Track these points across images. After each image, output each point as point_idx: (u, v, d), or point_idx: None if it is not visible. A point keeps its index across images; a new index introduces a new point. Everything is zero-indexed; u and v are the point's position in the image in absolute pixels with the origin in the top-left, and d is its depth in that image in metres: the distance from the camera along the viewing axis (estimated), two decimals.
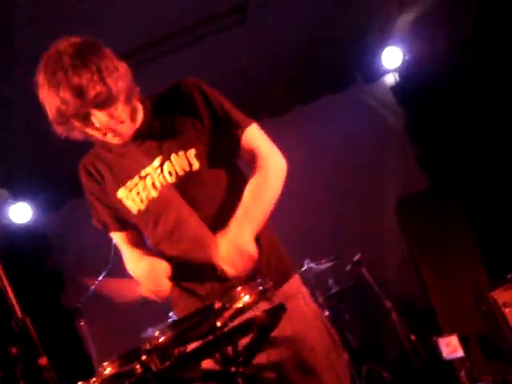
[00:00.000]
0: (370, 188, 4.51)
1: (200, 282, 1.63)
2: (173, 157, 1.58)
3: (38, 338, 1.54)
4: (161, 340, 1.48)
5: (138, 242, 1.74)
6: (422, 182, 4.75)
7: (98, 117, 1.45)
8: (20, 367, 1.70)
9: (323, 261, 3.92)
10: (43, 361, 1.56)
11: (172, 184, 1.59)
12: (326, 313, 3.72)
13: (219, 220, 1.55)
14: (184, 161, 1.57)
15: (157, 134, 1.61)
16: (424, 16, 4.19)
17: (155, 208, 1.61)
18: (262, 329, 1.57)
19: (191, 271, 1.63)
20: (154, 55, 3.69)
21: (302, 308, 1.62)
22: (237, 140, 1.62)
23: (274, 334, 1.52)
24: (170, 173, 1.58)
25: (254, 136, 1.65)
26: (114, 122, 1.49)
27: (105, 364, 1.75)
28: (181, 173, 1.58)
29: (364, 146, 4.56)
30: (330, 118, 4.42)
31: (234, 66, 4.05)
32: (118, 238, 1.76)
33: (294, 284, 1.65)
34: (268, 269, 1.61)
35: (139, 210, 1.63)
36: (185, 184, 1.58)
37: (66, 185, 4.91)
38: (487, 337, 3.92)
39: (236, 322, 1.53)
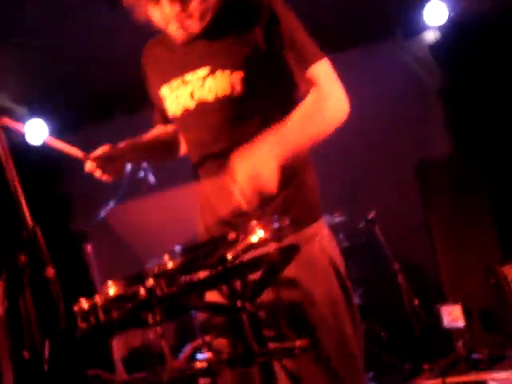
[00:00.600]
0: (394, 146, 4.39)
1: (221, 204, 1.48)
2: (218, 73, 1.45)
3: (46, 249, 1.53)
4: (169, 265, 1.45)
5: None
6: (448, 146, 4.60)
7: (166, 3, 1.37)
8: (27, 275, 1.68)
9: (336, 214, 3.85)
10: (50, 272, 1.55)
11: (209, 103, 1.47)
12: None
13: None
14: (227, 81, 1.44)
15: (214, 42, 1.47)
16: None
17: (188, 119, 1.53)
18: (273, 267, 1.53)
19: (216, 191, 1.49)
20: None
21: (315, 253, 1.49)
22: (301, 72, 1.45)
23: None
24: (209, 89, 1.46)
25: (322, 71, 1.47)
26: (184, 15, 1.40)
27: (109, 283, 1.72)
28: (220, 94, 1.46)
29: (395, 102, 4.41)
30: (363, 69, 4.26)
31: None
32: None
33: (315, 227, 1.52)
34: (289, 206, 1.48)
35: (174, 114, 1.57)
36: (221, 107, 1.46)
37: (84, 107, 4.88)
38: (491, 311, 3.90)
39: (247, 256, 1.48)
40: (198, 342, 2.44)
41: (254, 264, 1.52)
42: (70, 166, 5.06)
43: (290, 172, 1.41)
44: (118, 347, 3.87)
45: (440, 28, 4.51)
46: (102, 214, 3.61)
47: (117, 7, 1.44)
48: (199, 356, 2.24)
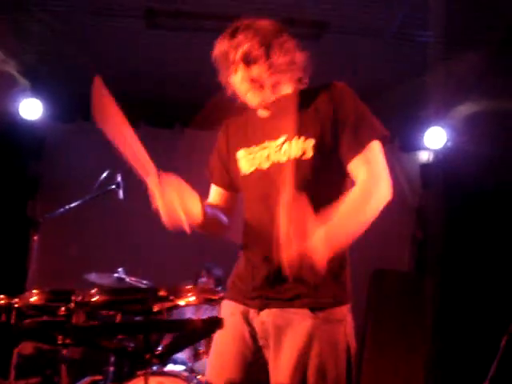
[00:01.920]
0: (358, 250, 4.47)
1: (260, 264, 1.64)
2: (294, 139, 1.64)
3: None
4: (93, 299, 1.46)
5: (223, 206, 1.84)
6: (408, 264, 4.73)
7: (242, 72, 1.65)
8: None
9: None
10: None
11: (281, 164, 1.65)
12: None
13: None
14: (300, 147, 1.64)
15: (290, 114, 1.65)
16: (482, 116, 4.18)
17: (259, 178, 1.70)
18: (193, 334, 1.55)
19: (258, 249, 1.66)
20: None
21: (340, 335, 1.62)
22: (353, 154, 1.62)
23: (301, 343, 1.56)
24: (284, 153, 1.65)
25: (372, 154, 1.61)
26: (254, 85, 1.65)
27: (34, 291, 1.71)
28: (292, 157, 1.64)
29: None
30: None
31: None
32: (213, 190, 1.89)
33: (344, 311, 1.65)
34: (328, 284, 1.61)
35: (245, 172, 1.74)
36: (291, 167, 1.61)
37: (86, 104, 4.88)
38: None
39: (172, 315, 1.51)
40: (98, 378, 2.41)
41: (177, 325, 1.54)
42: (49, 152, 5.10)
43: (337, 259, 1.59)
44: (25, 344, 3.76)
45: (435, 151, 4.73)
46: (61, 210, 3.58)
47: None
48: None
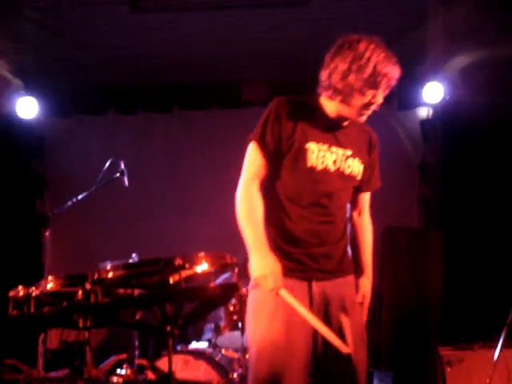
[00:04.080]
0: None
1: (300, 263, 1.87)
2: (356, 159, 1.98)
3: None
4: (109, 275, 1.49)
5: (262, 179, 1.95)
6: (417, 221, 4.75)
7: (378, 96, 1.86)
8: None
9: None
10: None
11: (344, 175, 1.95)
12: None
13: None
14: (359, 168, 1.99)
15: (357, 135, 2.03)
16: (478, 66, 4.14)
17: (323, 177, 1.91)
18: (210, 300, 1.57)
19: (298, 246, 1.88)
20: None
21: (355, 296, 2.03)
22: (368, 190, 2.12)
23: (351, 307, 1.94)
24: (348, 166, 1.96)
25: (367, 198, 2.16)
26: (375, 106, 1.89)
27: (49, 278, 1.75)
28: (352, 173, 1.98)
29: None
30: None
31: None
32: (258, 159, 1.93)
33: (353, 277, 2.06)
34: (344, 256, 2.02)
35: (312, 166, 1.90)
36: (348, 182, 1.98)
37: (81, 97, 4.89)
38: None
39: (189, 284, 1.53)
40: (123, 355, 2.46)
41: (194, 293, 1.56)
42: (51, 149, 5.12)
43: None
44: (51, 339, 3.83)
45: (433, 107, 4.70)
46: (69, 204, 3.61)
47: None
48: (118, 371, 2.25)
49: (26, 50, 4.28)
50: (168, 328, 1.55)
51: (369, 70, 1.79)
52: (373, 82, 1.80)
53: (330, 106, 1.92)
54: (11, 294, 1.83)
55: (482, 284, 4.28)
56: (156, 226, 4.75)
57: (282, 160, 1.91)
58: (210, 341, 3.69)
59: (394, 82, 1.87)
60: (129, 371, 1.98)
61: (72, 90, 4.86)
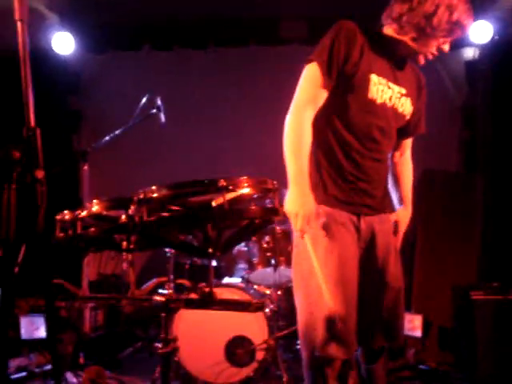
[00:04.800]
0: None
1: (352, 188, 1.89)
2: (409, 98, 2.00)
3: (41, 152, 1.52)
4: (154, 195, 1.50)
5: (317, 107, 1.87)
6: (457, 165, 4.66)
7: (446, 44, 1.88)
8: (17, 171, 1.70)
9: None
10: (40, 173, 1.55)
11: (398, 112, 1.97)
12: None
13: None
14: (410, 108, 2.01)
15: (413, 75, 2.06)
16: None
17: (381, 111, 1.92)
18: (252, 223, 1.58)
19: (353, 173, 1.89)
20: None
21: (391, 230, 2.06)
22: (413, 135, 2.15)
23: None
24: (402, 105, 1.98)
25: (410, 142, 2.20)
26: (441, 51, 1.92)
27: (94, 201, 1.78)
28: (405, 112, 2.00)
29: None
30: None
31: None
32: (317, 85, 1.83)
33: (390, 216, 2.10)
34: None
35: (372, 98, 1.89)
36: (400, 120, 2.01)
37: (116, 33, 4.84)
38: (449, 330, 3.98)
39: (232, 206, 1.53)
40: (164, 278, 2.52)
41: (236, 215, 1.57)
42: (87, 85, 5.13)
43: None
44: (90, 271, 3.97)
45: (480, 47, 4.49)
46: (107, 139, 3.63)
47: None
48: (160, 291, 2.31)
49: None
50: (210, 249, 1.56)
51: (453, 18, 1.79)
52: (450, 30, 1.81)
53: (395, 39, 1.89)
54: (58, 217, 1.86)
55: None
56: (191, 163, 4.78)
57: (341, 87, 1.83)
58: (242, 277, 3.77)
59: (464, 35, 1.91)
60: (171, 291, 2.04)
61: (108, 26, 4.82)
